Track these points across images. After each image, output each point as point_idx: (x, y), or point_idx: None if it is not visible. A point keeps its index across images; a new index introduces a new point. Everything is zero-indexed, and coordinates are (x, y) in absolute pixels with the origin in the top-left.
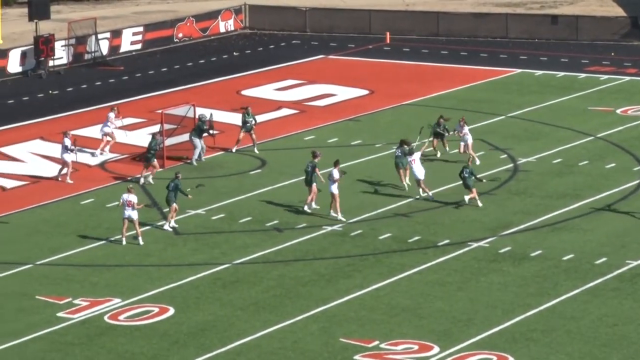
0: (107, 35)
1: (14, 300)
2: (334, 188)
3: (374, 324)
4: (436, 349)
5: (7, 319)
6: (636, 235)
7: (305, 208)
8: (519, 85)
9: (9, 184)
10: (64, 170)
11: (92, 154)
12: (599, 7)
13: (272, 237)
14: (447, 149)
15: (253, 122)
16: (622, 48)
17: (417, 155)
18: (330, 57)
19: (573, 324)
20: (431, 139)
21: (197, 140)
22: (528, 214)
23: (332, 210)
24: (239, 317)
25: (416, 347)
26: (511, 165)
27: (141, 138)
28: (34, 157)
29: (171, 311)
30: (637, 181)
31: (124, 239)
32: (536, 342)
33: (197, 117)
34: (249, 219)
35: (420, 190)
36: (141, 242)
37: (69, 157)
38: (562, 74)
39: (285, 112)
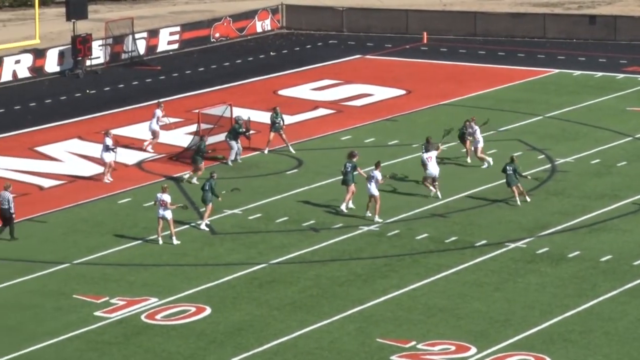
0: (144, 34)
1: (51, 299)
2: (375, 189)
3: (410, 324)
4: (473, 350)
5: (44, 318)
6: None
7: (342, 208)
8: (556, 86)
9: (47, 183)
10: (106, 169)
11: (140, 149)
12: (637, 7)
13: (309, 237)
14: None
15: (282, 122)
16: None
17: (433, 154)
18: (367, 57)
19: (611, 325)
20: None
21: (232, 142)
22: (566, 214)
23: (368, 211)
24: (275, 317)
25: (453, 348)
26: (549, 165)
27: (178, 138)
28: (71, 156)
29: (208, 311)
30: None
31: (159, 238)
32: (574, 343)
33: (234, 118)
34: (285, 218)
35: (432, 187)
36: (175, 242)
37: (109, 157)
38: (600, 74)
39: (321, 112)
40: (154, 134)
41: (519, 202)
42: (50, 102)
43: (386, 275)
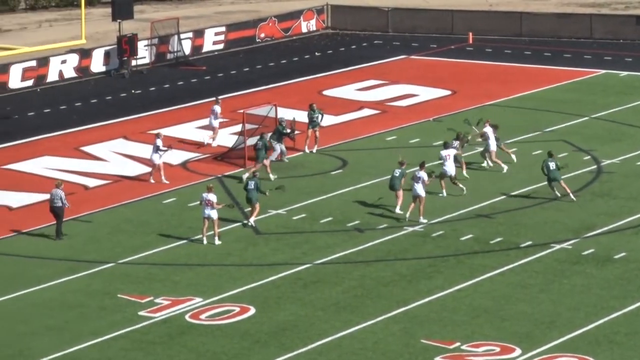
0: (190, 35)
1: (96, 298)
2: (422, 190)
3: (455, 325)
4: (518, 351)
5: (89, 317)
6: None
7: (397, 210)
8: (603, 86)
9: (92, 183)
10: (153, 171)
11: (206, 143)
12: None
13: (353, 237)
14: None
15: (320, 118)
16: None
17: (452, 152)
18: (412, 57)
19: None
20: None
21: (276, 144)
22: (612, 215)
23: (409, 212)
24: (319, 317)
25: (498, 349)
26: (595, 166)
27: (223, 138)
28: (116, 156)
29: (252, 311)
30: None
31: (204, 238)
32: (619, 345)
33: (277, 119)
34: (330, 219)
35: (443, 185)
36: (217, 242)
37: (158, 159)
38: None
39: (366, 112)
40: (214, 130)
41: (574, 197)
42: (96, 102)
43: (431, 276)
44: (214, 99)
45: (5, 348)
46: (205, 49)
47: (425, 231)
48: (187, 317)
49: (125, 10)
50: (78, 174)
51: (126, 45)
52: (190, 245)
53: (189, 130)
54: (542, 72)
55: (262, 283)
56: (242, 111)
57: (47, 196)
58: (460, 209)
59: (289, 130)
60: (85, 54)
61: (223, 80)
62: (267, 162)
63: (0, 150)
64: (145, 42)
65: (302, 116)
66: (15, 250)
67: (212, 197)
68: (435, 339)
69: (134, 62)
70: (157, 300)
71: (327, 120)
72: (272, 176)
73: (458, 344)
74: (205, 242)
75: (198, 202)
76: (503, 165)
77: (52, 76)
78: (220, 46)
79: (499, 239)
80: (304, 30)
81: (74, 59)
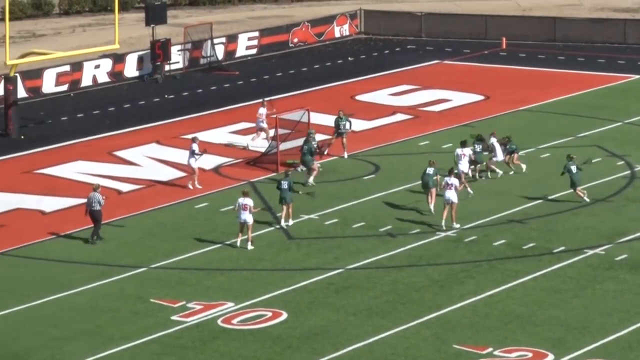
0: (223, 40)
1: (129, 303)
2: (455, 196)
3: (487, 330)
4: (550, 357)
5: (122, 322)
6: None
7: (432, 208)
8: (637, 92)
9: (125, 187)
10: (194, 175)
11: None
12: None
13: (385, 242)
14: (523, 166)
15: (347, 125)
16: None
17: (468, 151)
18: (446, 62)
19: None
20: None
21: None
22: None
23: (444, 220)
24: (351, 322)
25: (530, 355)
26: (628, 172)
27: (256, 143)
28: (149, 161)
29: (284, 315)
30: None
31: (239, 241)
32: None
33: (308, 132)
34: (362, 224)
35: (466, 185)
36: (250, 247)
37: (195, 163)
38: None
39: (399, 117)
40: (264, 131)
41: (587, 199)
42: (129, 107)
43: (463, 281)
44: (260, 100)
45: (38, 352)
46: (238, 54)
47: (457, 236)
48: (219, 321)
49: (158, 15)
50: (111, 179)
51: (159, 50)
52: (222, 249)
53: (221, 135)
54: (575, 77)
55: (294, 288)
56: (275, 116)
57: (80, 200)
58: (493, 215)
59: (318, 147)
60: (118, 58)
61: (256, 85)
62: (315, 165)
63: (34, 155)
64: (179, 47)
65: (330, 120)
66: (49, 255)
67: (248, 201)
68: (467, 345)
69: (167, 67)
70: (190, 305)
71: (360, 125)
72: (311, 180)
73: (490, 349)
74: (239, 245)
75: (232, 207)
76: (498, 171)
77: (85, 81)
78: (254, 51)
79: (531, 245)
80: (337, 35)
81: (107, 64)
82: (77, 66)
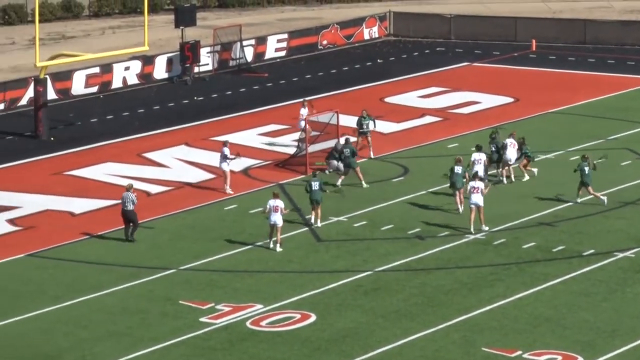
0: (252, 42)
1: (158, 304)
2: (481, 199)
3: (516, 333)
4: None
5: (151, 323)
6: None
7: (460, 207)
8: None
9: (154, 189)
10: (227, 179)
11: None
12: None
13: (414, 245)
14: (535, 170)
15: (370, 125)
16: None
17: (483, 156)
18: (475, 64)
19: None
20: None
21: (332, 161)
22: None
23: (472, 225)
24: (380, 325)
25: (559, 358)
26: None
27: (285, 145)
28: (178, 162)
29: (313, 318)
30: None
31: (271, 243)
32: None
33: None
34: (390, 226)
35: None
36: (279, 249)
37: (227, 167)
38: None
39: (428, 119)
40: (305, 131)
41: (603, 199)
42: (158, 109)
43: (492, 284)
44: (301, 100)
45: (67, 353)
46: (267, 56)
47: (486, 239)
48: (247, 323)
49: (188, 18)
50: (140, 180)
51: (189, 52)
52: (251, 251)
53: (251, 137)
54: (605, 79)
55: (322, 290)
56: (304, 118)
57: (109, 202)
58: (522, 217)
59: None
60: (148, 60)
61: (285, 87)
62: (357, 168)
63: (63, 157)
64: (208, 49)
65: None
66: (78, 256)
67: (279, 202)
68: (496, 347)
69: (196, 69)
70: (218, 307)
71: (389, 127)
72: (339, 182)
73: (519, 352)
74: (271, 246)
75: (261, 210)
76: (505, 179)
77: (116, 83)
78: (283, 53)
79: (561, 247)
80: (366, 37)
81: (136, 66)
82: (106, 68)
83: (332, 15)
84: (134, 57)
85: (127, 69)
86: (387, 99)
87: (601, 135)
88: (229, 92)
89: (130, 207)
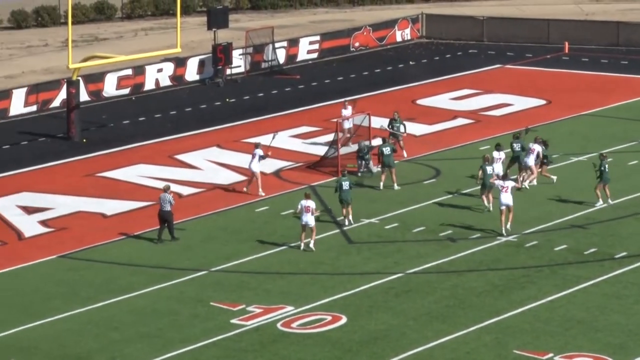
0: (284, 44)
1: (189, 306)
2: (510, 199)
3: (548, 336)
4: None
5: (182, 325)
6: None
7: (490, 206)
8: None
9: (186, 191)
10: (254, 180)
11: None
12: None
13: (446, 247)
14: (553, 177)
15: (401, 128)
16: None
17: (502, 155)
18: (508, 66)
19: None
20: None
21: (361, 162)
22: None
23: (503, 226)
24: (411, 327)
25: None
26: None
27: (317, 147)
28: (210, 164)
29: (344, 320)
30: None
31: (302, 244)
32: None
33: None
34: (422, 228)
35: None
36: (313, 248)
37: (257, 168)
38: None
39: (460, 121)
40: (349, 131)
41: (610, 201)
42: (190, 111)
43: (524, 286)
44: (342, 100)
45: (98, 354)
46: (299, 58)
47: (518, 241)
48: (278, 325)
49: (220, 20)
50: (172, 182)
51: (221, 54)
52: (282, 253)
53: (282, 139)
54: (638, 81)
55: (354, 292)
56: (335, 120)
57: (141, 204)
58: (555, 219)
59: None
60: (180, 62)
61: (317, 89)
62: (394, 169)
63: (96, 158)
64: (240, 51)
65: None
66: (110, 258)
67: (310, 203)
68: (528, 350)
69: (228, 71)
70: (249, 309)
71: (421, 129)
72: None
73: (551, 354)
74: (302, 248)
75: (293, 211)
76: (525, 184)
77: (148, 85)
78: (315, 55)
79: (593, 250)
80: (399, 39)
81: (169, 68)
82: (139, 70)
83: (364, 17)
84: (166, 59)
85: (159, 70)
86: (419, 101)
87: (634, 137)
88: (261, 94)
89: (167, 207)
